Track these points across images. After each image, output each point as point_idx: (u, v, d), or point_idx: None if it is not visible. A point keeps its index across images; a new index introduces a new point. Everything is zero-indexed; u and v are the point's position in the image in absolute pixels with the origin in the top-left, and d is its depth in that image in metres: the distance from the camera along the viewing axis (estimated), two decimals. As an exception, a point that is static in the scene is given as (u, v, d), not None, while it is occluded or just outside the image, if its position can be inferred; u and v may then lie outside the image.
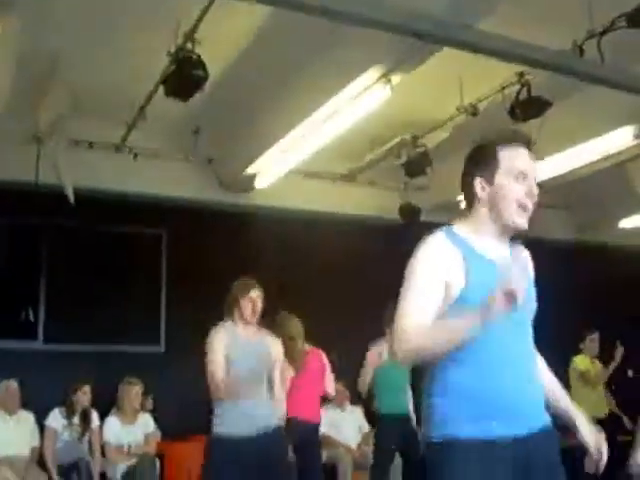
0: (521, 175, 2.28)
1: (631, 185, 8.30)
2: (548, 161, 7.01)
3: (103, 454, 6.64)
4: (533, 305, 2.35)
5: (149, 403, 7.23)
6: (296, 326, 5.65)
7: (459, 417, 2.17)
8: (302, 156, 6.96)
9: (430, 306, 2.23)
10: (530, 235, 7.72)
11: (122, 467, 6.56)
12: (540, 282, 2.45)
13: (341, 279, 7.83)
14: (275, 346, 4.51)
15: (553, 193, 8.75)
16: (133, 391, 6.83)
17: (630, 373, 9.68)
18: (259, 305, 4.42)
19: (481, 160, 2.33)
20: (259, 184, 7.49)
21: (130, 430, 6.77)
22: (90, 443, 6.62)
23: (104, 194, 7.28)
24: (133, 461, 6.56)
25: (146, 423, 6.89)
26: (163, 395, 7.24)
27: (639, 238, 9.65)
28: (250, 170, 7.26)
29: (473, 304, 2.09)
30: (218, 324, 4.43)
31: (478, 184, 2.32)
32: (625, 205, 8.89)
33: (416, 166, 7.00)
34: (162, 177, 7.49)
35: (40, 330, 7.43)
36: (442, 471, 2.18)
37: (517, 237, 2.43)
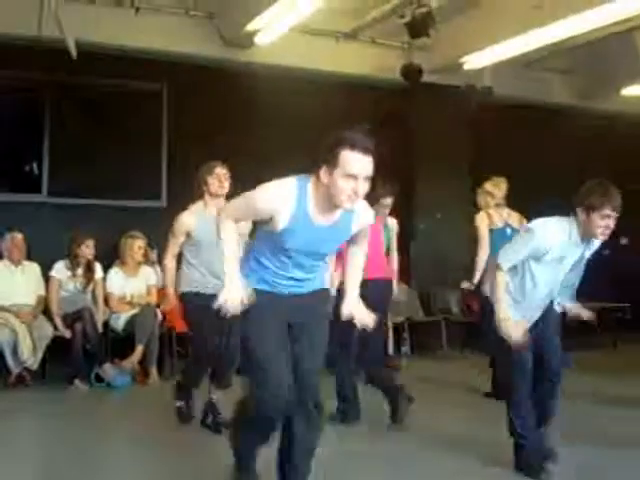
0: (352, 177, 2.95)
1: (637, 53, 8.15)
2: (556, 25, 6.86)
3: (106, 304, 6.93)
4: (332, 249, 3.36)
5: (153, 255, 7.43)
6: None
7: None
8: (304, 12, 6.79)
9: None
10: (531, 97, 7.75)
11: (124, 316, 6.88)
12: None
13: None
14: None
15: (559, 58, 8.65)
16: (135, 244, 7.03)
17: (624, 241, 9.95)
18: (225, 180, 4.89)
19: (328, 155, 2.97)
20: (260, 40, 7.37)
21: (132, 281, 7.03)
22: (93, 294, 6.90)
23: (105, 48, 7.18)
24: (135, 311, 6.86)
25: (148, 275, 7.13)
26: (163, 248, 7.43)
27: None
28: (251, 26, 7.13)
29: (285, 239, 3.10)
30: (190, 208, 4.94)
31: (323, 171, 2.99)
32: (629, 73, 8.76)
33: (419, 26, 6.84)
34: (163, 32, 7.37)
35: (44, 184, 7.55)
36: None
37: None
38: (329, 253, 3.40)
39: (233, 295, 3.07)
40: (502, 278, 3.97)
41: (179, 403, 5.20)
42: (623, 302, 9.24)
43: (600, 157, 9.60)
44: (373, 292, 4.28)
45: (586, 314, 4.41)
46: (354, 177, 2.94)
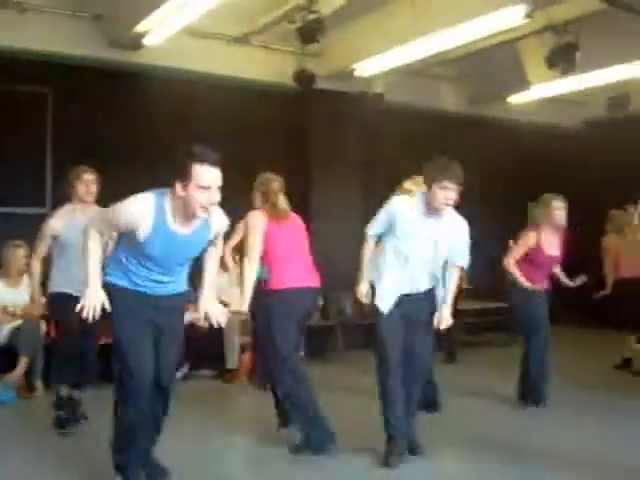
0: (206, 188, 3.34)
1: (521, 63, 8.47)
2: (442, 32, 7.04)
3: (-13, 315, 6.64)
4: (189, 255, 3.69)
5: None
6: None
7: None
8: (194, 15, 6.72)
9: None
10: (422, 105, 7.92)
11: (7, 328, 6.60)
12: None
13: (233, 142, 7.79)
14: None
15: (445, 65, 8.90)
16: (18, 254, 6.74)
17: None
18: (92, 187, 5.17)
19: (181, 170, 3.34)
20: (148, 41, 7.24)
21: (15, 292, 6.75)
22: (-27, 305, 6.60)
23: (-11, 50, 6.88)
24: (18, 322, 6.59)
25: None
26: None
27: (525, 113, 9.98)
28: (140, 28, 6.99)
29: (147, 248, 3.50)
30: (59, 211, 5.21)
31: (179, 185, 3.36)
32: (515, 81, 9.09)
33: (310, 32, 6.88)
34: (49, 33, 7.16)
35: None
36: None
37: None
38: (189, 258, 3.73)
39: (93, 301, 3.45)
40: (367, 245, 4.56)
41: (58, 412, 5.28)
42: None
43: (490, 162, 9.93)
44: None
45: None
46: (207, 188, 3.34)
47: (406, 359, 4.46)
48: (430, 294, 4.52)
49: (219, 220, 3.67)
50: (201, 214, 3.43)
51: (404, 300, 4.43)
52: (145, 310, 3.65)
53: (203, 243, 3.66)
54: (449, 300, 4.52)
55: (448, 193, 4.21)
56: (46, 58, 7.31)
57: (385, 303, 4.44)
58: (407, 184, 6.07)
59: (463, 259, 4.51)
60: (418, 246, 4.36)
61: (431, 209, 4.31)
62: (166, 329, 3.75)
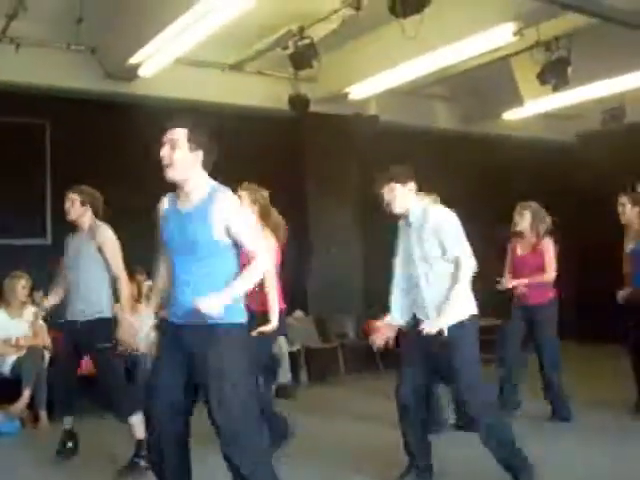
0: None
1: (513, 79, 8.55)
2: (433, 53, 7.14)
3: (-10, 347, 6.69)
4: (193, 237, 3.31)
5: (39, 297, 7.21)
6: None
7: None
8: (187, 45, 6.83)
9: None
10: (417, 125, 7.98)
11: (10, 360, 6.63)
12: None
13: (230, 169, 7.85)
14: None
15: (439, 85, 8.99)
16: (19, 285, 6.80)
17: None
18: (74, 205, 5.06)
19: None
20: (143, 72, 7.34)
21: (17, 323, 6.80)
22: (-24, 336, 6.65)
23: (-15, 84, 6.99)
24: (21, 353, 6.64)
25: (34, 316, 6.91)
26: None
27: (520, 129, 10.05)
28: (134, 59, 7.10)
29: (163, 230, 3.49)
30: None
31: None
32: (508, 98, 9.16)
33: (302, 58, 6.98)
34: (45, 67, 7.27)
35: None
36: None
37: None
38: (198, 243, 3.32)
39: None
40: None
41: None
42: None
43: (485, 178, 9.98)
44: None
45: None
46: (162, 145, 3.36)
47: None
48: None
49: (222, 197, 3.32)
50: (166, 175, 3.34)
51: None
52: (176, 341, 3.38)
53: (206, 218, 3.27)
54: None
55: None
56: (43, 91, 7.42)
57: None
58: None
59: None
60: (407, 264, 4.34)
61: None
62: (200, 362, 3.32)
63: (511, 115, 9.60)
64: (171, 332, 3.38)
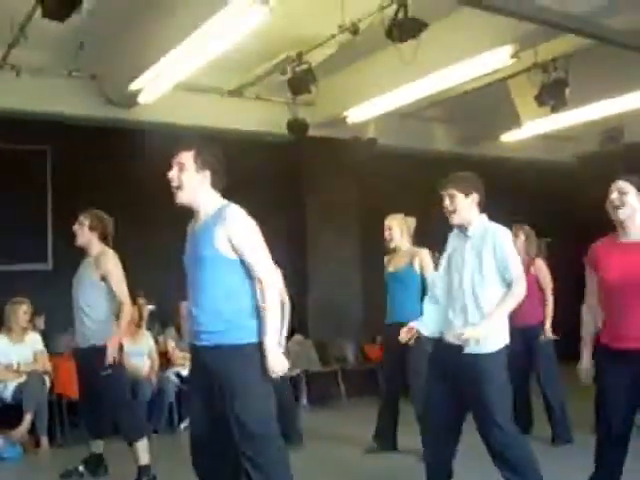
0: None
1: (511, 101, 8.60)
2: (430, 76, 7.20)
3: (-9, 373, 6.69)
4: (200, 253, 3.35)
5: (40, 322, 7.24)
6: None
7: None
8: (187, 71, 6.88)
9: None
10: (415, 147, 8.03)
11: (12, 385, 6.63)
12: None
13: (230, 194, 7.91)
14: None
15: (437, 107, 9.05)
16: (20, 310, 6.82)
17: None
18: (82, 229, 5.13)
19: None
20: (143, 99, 7.40)
21: (19, 349, 6.81)
22: (-22, 363, 6.65)
23: (-14, 111, 7.05)
24: (23, 379, 6.64)
25: (35, 341, 6.93)
26: (53, 313, 7.25)
27: (519, 151, 10.09)
28: (135, 85, 7.15)
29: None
30: None
31: None
32: (506, 120, 9.21)
33: (300, 83, 7.03)
34: (46, 93, 7.31)
35: None
36: None
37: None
38: (202, 259, 3.36)
39: None
40: None
41: None
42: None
43: (486, 199, 9.98)
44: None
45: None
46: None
47: None
48: None
49: (231, 212, 3.37)
50: (176, 197, 3.45)
51: None
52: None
53: (212, 234, 3.32)
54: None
55: (445, 203, 4.09)
56: (44, 117, 7.47)
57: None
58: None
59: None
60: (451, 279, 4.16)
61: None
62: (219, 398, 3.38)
63: (509, 137, 9.65)
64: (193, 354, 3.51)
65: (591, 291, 3.77)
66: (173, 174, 3.42)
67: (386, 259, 6.06)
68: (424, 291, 5.23)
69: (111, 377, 4.96)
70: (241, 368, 3.26)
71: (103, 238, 5.16)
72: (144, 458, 4.95)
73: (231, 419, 3.24)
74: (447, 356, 3.95)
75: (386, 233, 5.92)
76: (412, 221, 6.03)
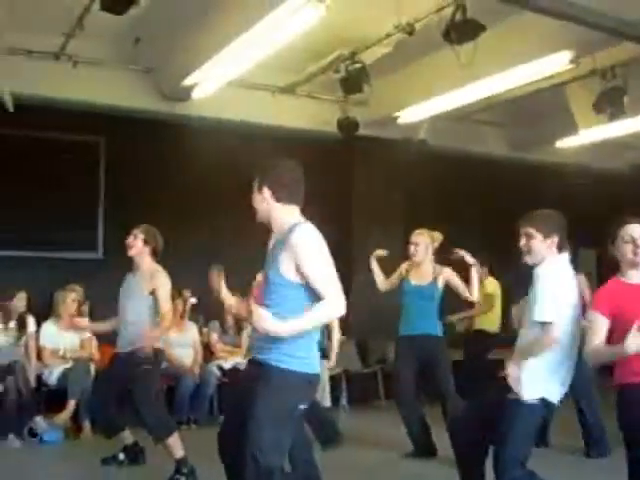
0: None
1: (567, 107, 8.45)
2: (486, 80, 7.11)
3: (39, 358, 6.81)
4: (267, 273, 3.35)
5: (85, 309, 7.35)
6: None
7: None
8: (241, 68, 6.91)
9: None
10: (466, 150, 7.90)
11: (58, 370, 6.76)
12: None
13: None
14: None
15: (488, 110, 8.93)
16: (69, 298, 6.95)
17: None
18: (136, 242, 5.19)
19: None
20: (197, 94, 7.44)
21: (66, 335, 6.94)
22: (26, 347, 6.78)
23: (43, 101, 7.17)
24: (68, 365, 6.76)
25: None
26: (100, 301, 7.34)
27: (572, 157, 9.91)
28: (189, 80, 7.20)
29: None
30: None
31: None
32: (562, 125, 9.06)
33: (353, 82, 7.00)
34: (101, 85, 7.40)
35: (-23, 236, 7.45)
36: None
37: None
38: (270, 278, 3.31)
39: None
40: None
41: None
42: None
43: (536, 206, 9.84)
44: None
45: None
46: None
47: None
48: None
49: (300, 232, 3.29)
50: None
51: None
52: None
53: (278, 255, 3.28)
54: None
55: (521, 240, 3.87)
56: (99, 109, 7.55)
57: None
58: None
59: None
60: None
61: None
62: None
63: (564, 143, 9.47)
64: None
65: (598, 334, 3.50)
66: (253, 201, 3.44)
67: (404, 267, 6.11)
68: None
69: (148, 373, 5.06)
70: (273, 391, 3.20)
71: (154, 254, 5.24)
72: (178, 452, 5.00)
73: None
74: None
75: (412, 248, 5.96)
76: (438, 236, 6.05)
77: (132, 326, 5.12)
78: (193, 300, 7.58)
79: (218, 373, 7.37)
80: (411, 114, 8.27)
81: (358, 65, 6.99)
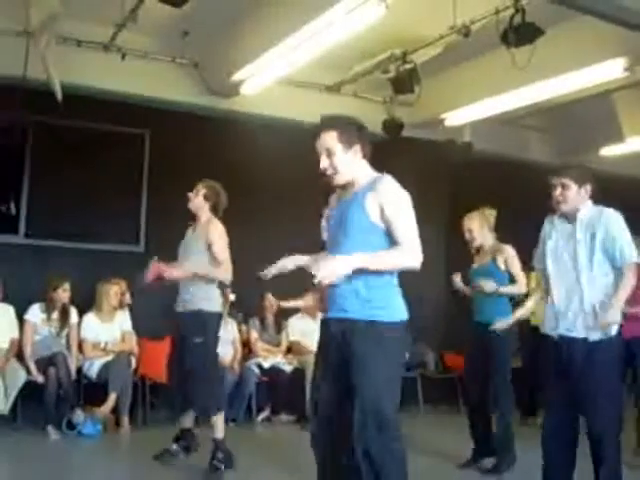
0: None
1: (615, 115, 8.33)
2: (538, 84, 7.01)
3: (80, 350, 6.82)
4: (348, 218, 3.29)
5: (126, 299, 7.32)
6: None
7: None
8: (292, 66, 6.87)
9: None
10: (509, 154, 7.81)
11: (98, 363, 6.76)
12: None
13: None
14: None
15: (535, 115, 8.82)
16: (112, 290, 6.96)
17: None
18: (197, 197, 5.30)
19: None
20: (245, 90, 7.41)
21: (107, 328, 6.95)
22: (68, 338, 6.79)
23: (91, 92, 7.17)
24: (109, 358, 6.75)
25: (123, 321, 7.05)
26: (141, 294, 7.34)
27: (618, 166, 9.76)
28: (237, 76, 7.18)
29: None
30: None
31: None
32: (608, 133, 8.93)
33: (404, 82, 6.93)
34: (149, 78, 7.39)
35: (22, 225, 7.46)
36: None
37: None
38: (354, 224, 3.29)
39: None
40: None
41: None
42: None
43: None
44: None
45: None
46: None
47: None
48: None
49: (384, 180, 3.34)
50: (333, 182, 3.39)
51: None
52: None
53: (363, 202, 3.27)
54: None
55: (554, 192, 4.04)
56: (145, 102, 7.55)
57: None
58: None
59: None
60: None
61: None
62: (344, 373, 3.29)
63: (610, 151, 9.35)
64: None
65: None
66: (324, 163, 3.32)
67: (475, 260, 5.87)
68: None
69: (201, 346, 5.00)
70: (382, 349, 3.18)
71: (214, 210, 5.27)
72: (220, 432, 5.00)
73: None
74: (565, 350, 3.93)
75: (466, 235, 5.76)
76: (491, 213, 5.85)
77: (192, 284, 5.09)
78: (232, 297, 7.55)
79: (257, 372, 7.33)
80: (458, 116, 8.18)
81: (409, 65, 6.92)
